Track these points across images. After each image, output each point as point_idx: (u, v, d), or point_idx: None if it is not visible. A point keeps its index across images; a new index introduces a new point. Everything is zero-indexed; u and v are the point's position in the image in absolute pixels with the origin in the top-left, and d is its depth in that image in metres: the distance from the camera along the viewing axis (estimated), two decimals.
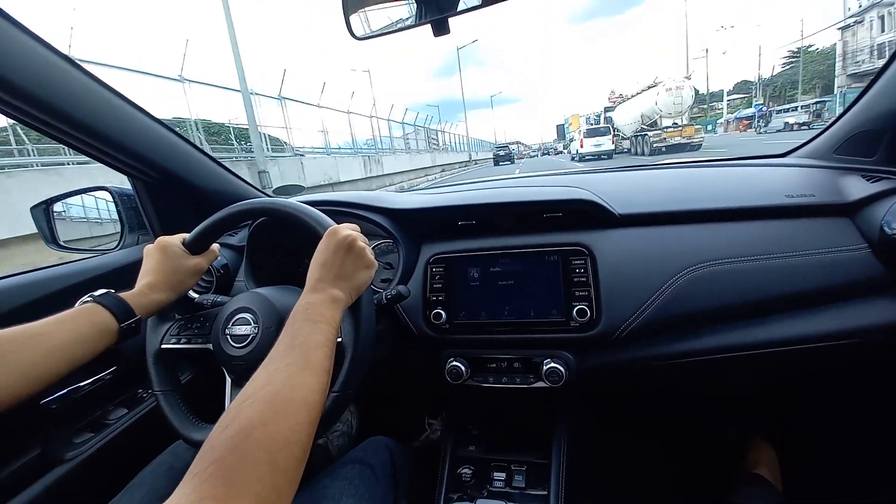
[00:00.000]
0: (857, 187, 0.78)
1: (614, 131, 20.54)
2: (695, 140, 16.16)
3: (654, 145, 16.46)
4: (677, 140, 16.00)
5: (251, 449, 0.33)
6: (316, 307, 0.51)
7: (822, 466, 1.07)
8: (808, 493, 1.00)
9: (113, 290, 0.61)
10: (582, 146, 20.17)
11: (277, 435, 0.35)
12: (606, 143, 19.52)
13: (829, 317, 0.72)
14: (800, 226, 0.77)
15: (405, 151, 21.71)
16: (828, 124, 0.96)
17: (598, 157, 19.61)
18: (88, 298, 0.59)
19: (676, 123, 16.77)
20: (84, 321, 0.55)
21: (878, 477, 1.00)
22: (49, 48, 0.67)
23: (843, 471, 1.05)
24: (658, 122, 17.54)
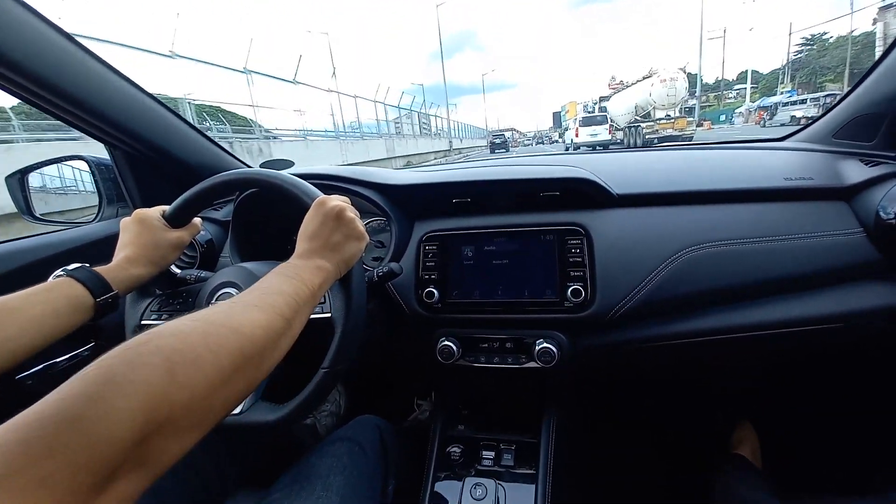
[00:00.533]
0: (855, 171, 0.77)
1: (609, 121, 19.32)
2: (686, 132, 16.55)
3: (647, 136, 16.70)
4: (669, 132, 16.37)
5: (145, 353, 0.28)
6: (295, 267, 0.49)
7: (803, 447, 1.10)
8: (788, 472, 1.02)
9: (88, 264, 0.58)
10: (577, 135, 18.88)
11: (185, 347, 0.30)
12: (603, 133, 18.43)
13: (824, 300, 0.72)
14: (797, 209, 0.76)
15: (386, 136, 19.70)
16: (828, 108, 0.95)
17: (593, 147, 17.91)
18: (62, 272, 0.56)
19: (669, 115, 17.08)
20: (58, 295, 0.52)
21: (865, 457, 1.03)
22: (27, 7, 0.62)
23: (823, 450, 1.08)
24: (651, 113, 17.80)
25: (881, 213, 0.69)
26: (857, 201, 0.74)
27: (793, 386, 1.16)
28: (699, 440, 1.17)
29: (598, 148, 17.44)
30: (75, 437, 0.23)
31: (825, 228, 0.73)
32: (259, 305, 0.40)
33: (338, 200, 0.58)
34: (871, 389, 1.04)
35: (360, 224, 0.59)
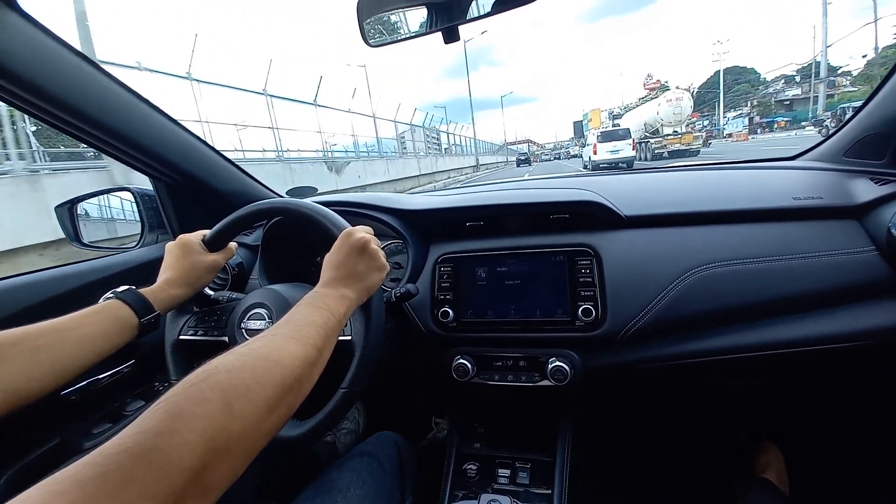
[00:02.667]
0: (865, 190, 0.78)
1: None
2: (693, 147, 17.46)
3: (656, 151, 17.70)
4: (677, 146, 17.43)
5: (205, 389, 0.32)
6: (323, 297, 0.53)
7: (829, 469, 1.06)
8: (816, 497, 0.98)
9: (133, 287, 0.63)
10: (595, 152, 16.35)
11: (238, 381, 0.34)
12: (626, 149, 15.76)
13: (836, 319, 0.72)
14: (807, 228, 0.77)
15: (389, 157, 17.66)
16: (838, 127, 0.96)
17: (615, 165, 15.58)
18: (111, 295, 0.62)
19: (676, 131, 18.38)
20: (107, 316, 0.57)
21: (884, 479, 0.99)
22: (76, 53, 0.71)
23: (850, 473, 1.04)
24: (660, 129, 19.06)
25: (893, 231, 0.69)
26: (868, 219, 0.75)
27: (814, 406, 1.13)
28: (718, 461, 1.14)
29: (620, 165, 15.36)
30: (148, 468, 0.25)
31: (836, 247, 0.73)
32: (295, 338, 0.43)
33: (363, 232, 0.63)
34: (887, 408, 1.00)
35: (382, 256, 0.63)
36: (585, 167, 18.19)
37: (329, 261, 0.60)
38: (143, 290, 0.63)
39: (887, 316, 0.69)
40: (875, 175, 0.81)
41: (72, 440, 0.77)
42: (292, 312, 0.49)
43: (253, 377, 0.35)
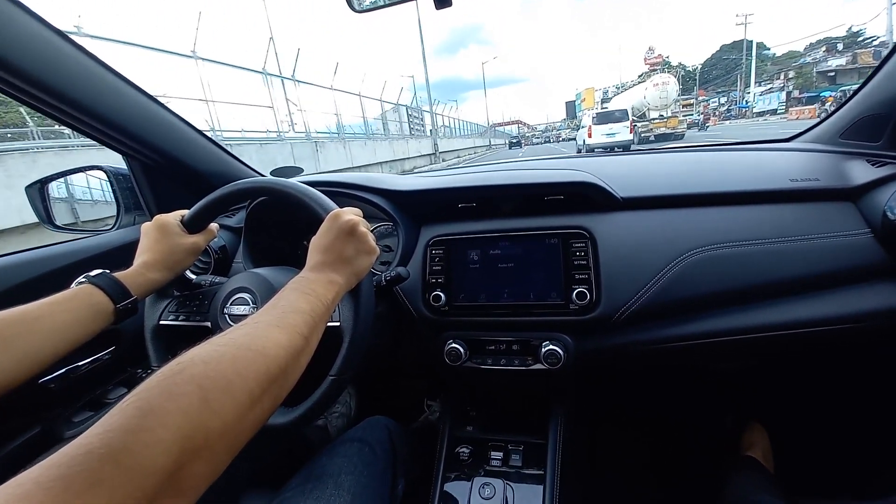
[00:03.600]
0: (861, 172, 0.77)
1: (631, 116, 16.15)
2: (678, 130, 18.00)
3: (643, 135, 17.84)
4: (662, 130, 17.77)
5: (180, 382, 0.29)
6: (310, 282, 0.51)
7: (814, 448, 1.09)
8: (800, 475, 1.01)
9: (108, 271, 0.60)
10: (590, 135, 15.06)
11: (216, 374, 0.31)
12: (623, 132, 14.69)
13: (831, 301, 0.72)
14: (803, 210, 0.76)
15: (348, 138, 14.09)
16: (835, 108, 0.94)
17: (611, 149, 14.48)
18: (83, 279, 0.59)
19: (662, 115, 18.77)
20: (80, 302, 0.55)
21: (872, 459, 1.02)
22: (45, 25, 0.65)
23: (834, 451, 1.07)
24: (646, 113, 19.55)
25: (888, 214, 0.69)
26: (863, 202, 0.74)
27: (802, 387, 1.15)
28: (708, 441, 1.17)
29: (616, 149, 14.53)
30: (116, 470, 0.23)
31: (832, 229, 0.73)
32: (280, 325, 0.41)
33: (351, 214, 0.60)
34: (880, 391, 1.03)
35: (371, 239, 0.60)
36: (580, 151, 16.55)
37: (316, 244, 0.57)
38: (118, 274, 0.60)
39: (881, 299, 0.70)
40: (871, 157, 0.80)
41: (52, 428, 0.75)
42: (277, 298, 0.47)
43: (233, 368, 0.33)
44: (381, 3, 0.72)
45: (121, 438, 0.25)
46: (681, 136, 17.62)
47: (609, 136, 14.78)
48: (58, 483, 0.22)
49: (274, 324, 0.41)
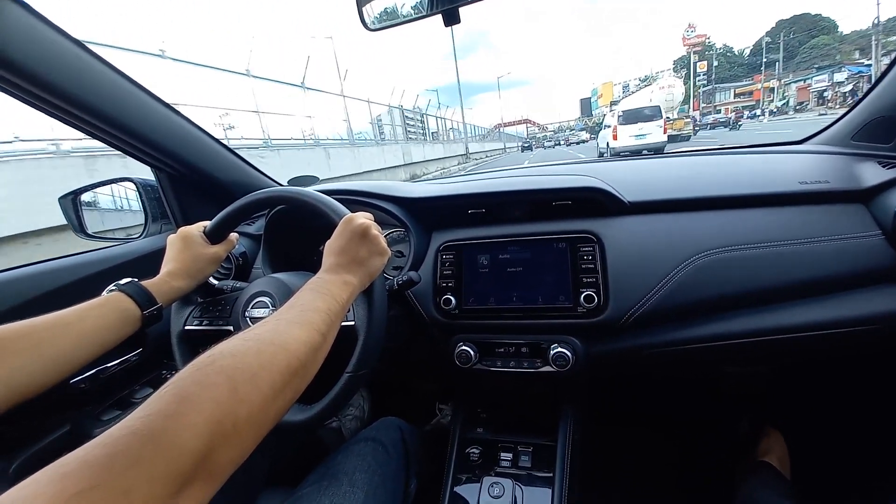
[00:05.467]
0: (872, 173, 0.77)
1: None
2: (684, 132, 18.16)
3: None
4: (669, 132, 17.04)
5: (212, 373, 0.32)
6: (326, 283, 0.53)
7: (832, 455, 1.07)
8: (818, 482, 0.99)
9: (136, 279, 0.64)
10: (616, 137, 12.76)
11: (244, 366, 0.34)
12: (655, 133, 12.38)
13: (841, 304, 0.71)
14: (813, 212, 0.76)
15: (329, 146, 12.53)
16: (847, 109, 0.94)
17: (641, 152, 11.14)
18: (114, 287, 0.62)
19: (669, 117, 18.09)
20: (110, 309, 0.58)
21: (888, 466, 0.99)
22: (74, 41, 0.70)
23: (852, 459, 1.05)
24: None
25: None
26: (874, 204, 0.74)
27: (818, 393, 1.13)
28: (722, 445, 1.15)
29: (647, 152, 11.03)
30: (155, 450, 0.26)
31: (842, 232, 0.73)
32: (299, 322, 0.44)
33: (363, 218, 0.63)
34: (891, 394, 1.00)
35: (383, 241, 0.63)
36: (602, 155, 14.17)
37: (330, 247, 0.60)
38: (145, 283, 0.63)
39: (893, 301, 0.69)
40: (883, 159, 0.80)
41: (81, 427, 0.78)
42: (296, 298, 0.49)
43: (259, 361, 0.36)
44: (393, 23, 0.75)
45: (160, 422, 0.27)
46: (687, 138, 17.64)
47: (639, 137, 12.57)
48: (101, 461, 0.24)
49: (294, 321, 0.44)
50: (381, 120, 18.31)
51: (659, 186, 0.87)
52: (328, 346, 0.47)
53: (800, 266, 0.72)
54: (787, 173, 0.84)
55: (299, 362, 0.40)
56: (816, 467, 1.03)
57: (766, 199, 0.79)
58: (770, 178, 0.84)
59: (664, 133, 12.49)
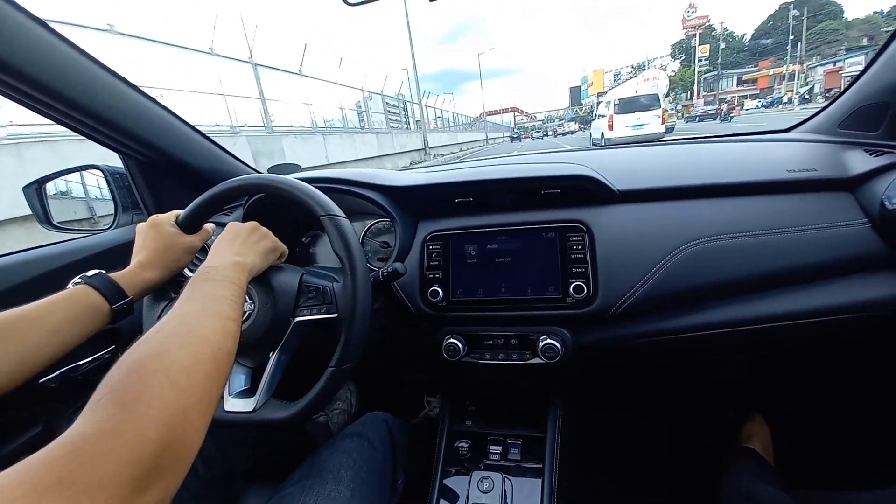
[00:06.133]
0: (859, 162, 0.77)
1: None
2: (668, 123, 17.43)
3: None
4: None
5: (145, 375, 0.32)
6: (217, 270, 0.52)
7: (814, 440, 1.09)
8: (800, 466, 1.02)
9: (104, 271, 0.60)
10: (612, 127, 11.99)
11: (173, 363, 0.34)
12: (653, 123, 11.64)
13: (828, 292, 0.72)
14: (800, 201, 0.76)
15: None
16: (834, 97, 0.94)
17: (638, 144, 6.75)
18: (79, 280, 0.58)
19: None
20: (76, 303, 0.55)
21: (871, 451, 1.02)
22: (37, 21, 0.65)
23: (834, 444, 1.07)
24: None
25: (886, 203, 0.68)
26: (861, 192, 0.74)
27: (803, 380, 1.15)
28: (708, 433, 1.17)
29: (645, 143, 7.70)
30: (114, 443, 0.26)
31: (829, 220, 0.73)
32: (207, 312, 0.44)
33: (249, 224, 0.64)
34: (879, 382, 1.03)
35: (270, 234, 0.66)
36: (595, 146, 11.79)
37: (216, 243, 0.59)
38: (114, 275, 0.60)
39: (880, 288, 0.70)
40: (869, 146, 0.80)
41: (53, 427, 0.75)
42: (191, 290, 0.47)
43: (186, 355, 0.36)
44: None
45: (118, 416, 0.28)
46: (671, 129, 17.51)
47: (635, 127, 11.87)
48: (65, 458, 0.24)
49: (201, 311, 0.43)
50: (360, 106, 17.24)
51: (648, 175, 0.86)
52: (239, 330, 0.47)
53: (787, 254, 0.72)
54: (774, 161, 0.84)
55: (223, 352, 0.41)
56: (799, 452, 1.05)
57: (754, 188, 0.79)
58: (758, 166, 0.84)
59: (662, 123, 11.82)
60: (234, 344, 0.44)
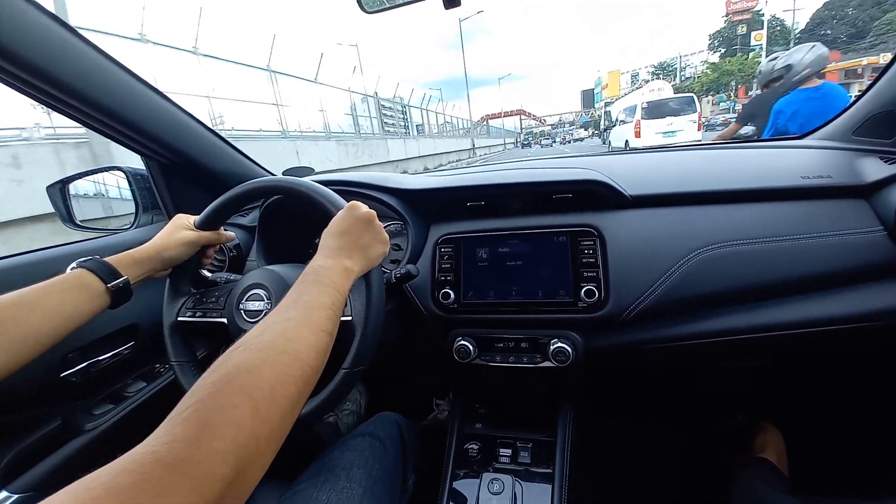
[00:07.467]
0: (874, 169, 0.76)
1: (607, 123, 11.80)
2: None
3: None
4: None
5: (232, 393, 0.31)
6: (328, 272, 0.51)
7: (829, 451, 1.07)
8: (815, 478, 1.00)
9: (98, 256, 0.62)
10: (638, 134, 10.14)
11: (262, 382, 0.33)
12: (688, 129, 9.72)
13: (842, 300, 0.71)
14: (815, 208, 0.76)
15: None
16: (848, 105, 0.94)
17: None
18: (75, 264, 0.60)
19: None
20: (73, 284, 0.56)
21: (887, 461, 1.00)
22: (66, 27, 0.67)
23: (850, 455, 1.05)
24: None
25: None
26: (876, 199, 0.73)
27: (817, 389, 1.14)
28: (719, 440, 1.16)
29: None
30: (183, 479, 0.25)
31: (844, 227, 0.72)
32: (307, 324, 0.42)
33: (367, 207, 0.62)
34: (890, 390, 1.01)
35: (384, 232, 0.63)
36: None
37: (331, 230, 0.58)
38: (109, 258, 0.62)
39: (894, 297, 0.69)
40: (884, 154, 0.79)
41: (73, 421, 0.77)
42: (299, 292, 0.47)
43: (275, 376, 0.35)
44: (391, 4, 0.73)
45: (185, 449, 0.27)
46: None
47: (667, 134, 9.99)
48: (130, 489, 0.23)
49: (302, 322, 0.42)
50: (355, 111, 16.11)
51: (660, 180, 0.86)
52: (332, 343, 0.46)
53: (802, 261, 0.72)
54: (789, 168, 0.84)
55: (311, 370, 0.39)
56: (814, 463, 1.03)
57: (768, 194, 0.78)
58: (772, 172, 0.83)
59: (699, 130, 9.89)
60: (323, 361, 0.42)
